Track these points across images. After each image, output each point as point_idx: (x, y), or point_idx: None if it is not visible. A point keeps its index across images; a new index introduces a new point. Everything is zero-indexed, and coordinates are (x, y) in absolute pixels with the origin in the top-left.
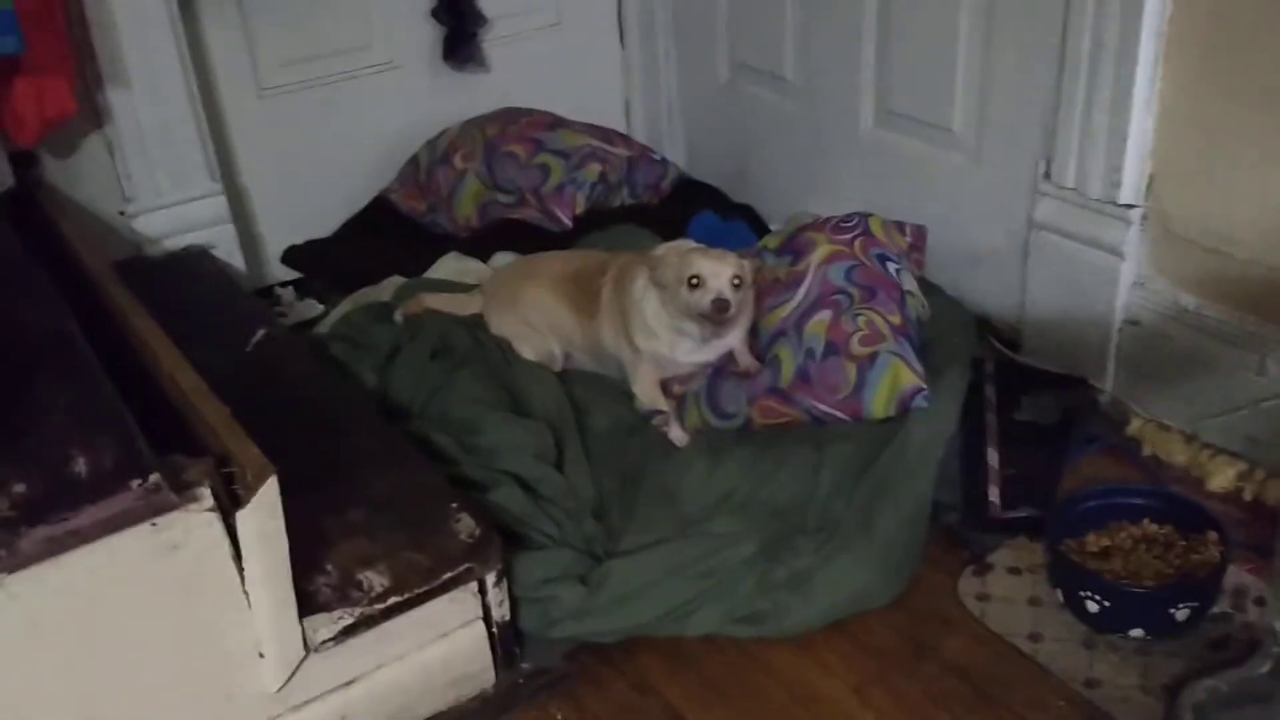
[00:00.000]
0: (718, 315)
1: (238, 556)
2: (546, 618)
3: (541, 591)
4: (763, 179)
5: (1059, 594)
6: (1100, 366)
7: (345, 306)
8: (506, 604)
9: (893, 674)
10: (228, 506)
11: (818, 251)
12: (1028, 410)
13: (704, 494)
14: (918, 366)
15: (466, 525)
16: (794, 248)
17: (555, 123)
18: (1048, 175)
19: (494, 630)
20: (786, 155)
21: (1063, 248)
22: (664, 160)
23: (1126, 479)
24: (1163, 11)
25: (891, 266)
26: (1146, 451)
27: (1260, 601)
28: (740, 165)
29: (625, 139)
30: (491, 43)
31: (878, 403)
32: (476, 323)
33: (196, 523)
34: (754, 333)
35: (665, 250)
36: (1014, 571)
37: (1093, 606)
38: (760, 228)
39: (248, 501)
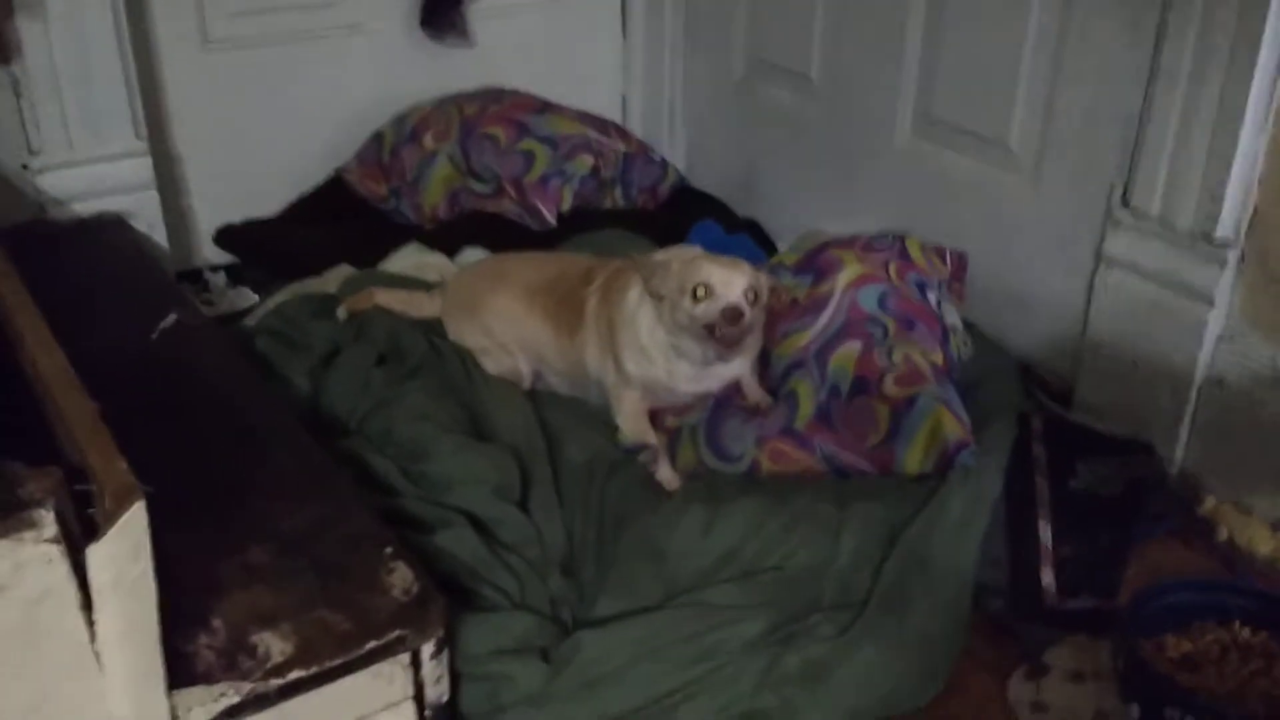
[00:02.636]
0: (729, 328)
1: (87, 604)
2: (495, 700)
3: (491, 666)
4: (773, 192)
5: (1135, 710)
6: (1171, 432)
7: (281, 296)
8: (446, 681)
9: None
10: (78, 537)
11: (845, 272)
12: (1085, 478)
13: (699, 553)
14: (964, 416)
15: (402, 578)
16: (816, 266)
17: (544, 106)
18: (1125, 201)
19: (426, 715)
20: (805, 166)
21: (1137, 289)
22: (664, 162)
23: (1200, 569)
24: None
25: (931, 296)
26: (1221, 537)
27: None
28: (747, 175)
29: (623, 132)
30: (478, 13)
31: (913, 455)
32: (434, 327)
33: (31, 557)
34: (765, 362)
35: (666, 255)
36: (1076, 677)
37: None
38: (767, 246)
39: (104, 532)
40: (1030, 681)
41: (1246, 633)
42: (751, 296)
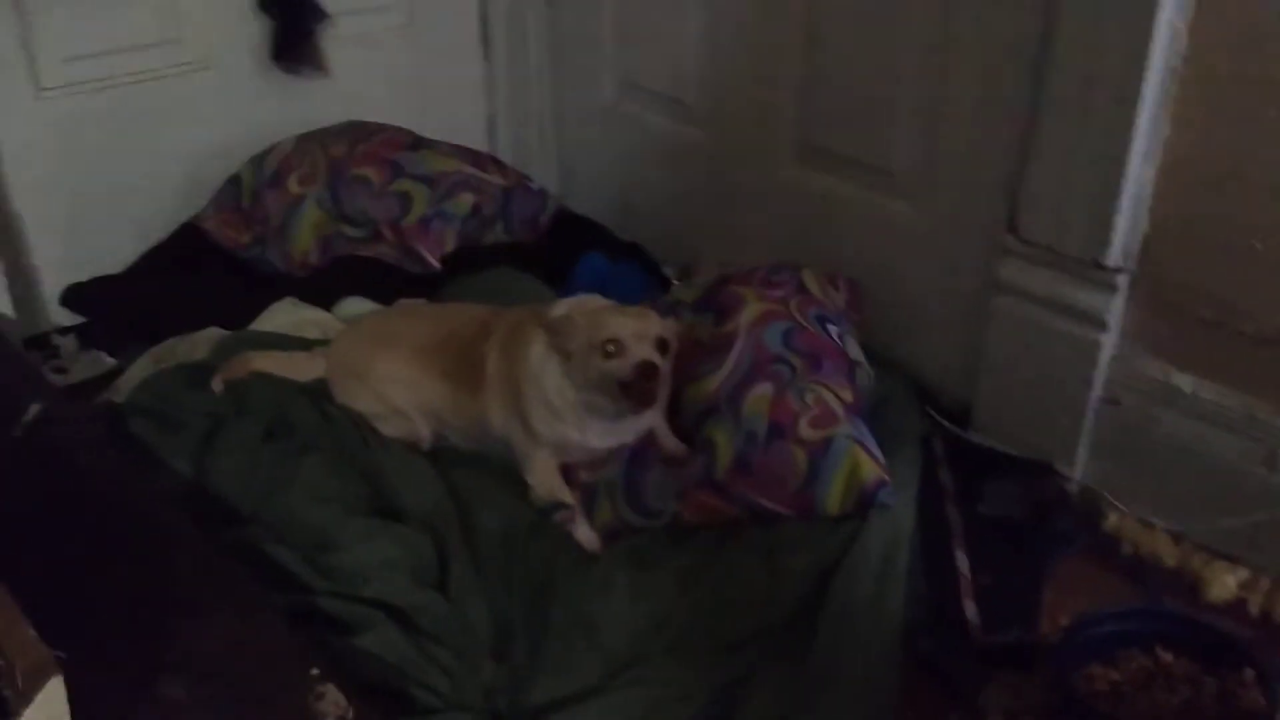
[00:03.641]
0: (645, 384)
1: None
2: None
3: None
4: (653, 216)
5: None
6: (1069, 451)
7: (145, 366)
8: None
9: None
10: None
11: (747, 310)
12: (992, 502)
13: (631, 622)
14: (878, 454)
15: (334, 701)
16: (717, 304)
17: (416, 142)
18: (1013, 229)
19: None
20: (684, 191)
21: (1029, 313)
22: (542, 191)
23: (1110, 586)
24: (1172, 44)
25: (833, 329)
26: (1126, 551)
27: None
28: (625, 198)
29: (499, 165)
30: (332, 42)
31: (833, 497)
32: (322, 390)
33: None
34: (674, 405)
35: (568, 309)
36: (1011, 717)
37: None
38: (652, 269)
39: (20, 713)
40: None
41: (1169, 657)
42: (663, 345)
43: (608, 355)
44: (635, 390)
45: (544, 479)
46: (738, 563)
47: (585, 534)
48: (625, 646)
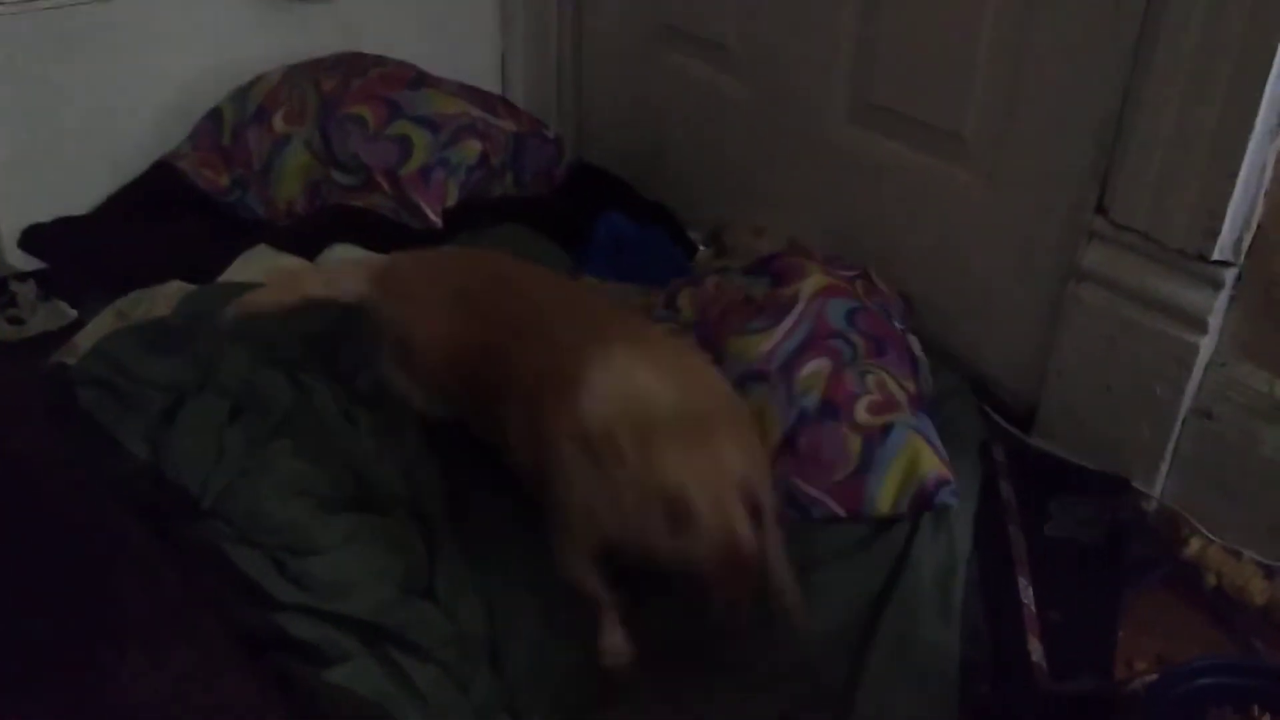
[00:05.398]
0: (731, 577)
1: None
2: None
3: None
4: (681, 174)
5: None
6: (1149, 466)
7: (106, 323)
8: None
9: None
10: None
11: (810, 280)
12: (1061, 522)
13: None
14: (942, 450)
15: None
16: (772, 270)
17: (418, 79)
18: (1101, 209)
19: None
20: (721, 148)
21: (1115, 307)
22: (558, 139)
23: (1192, 623)
24: None
25: (897, 324)
26: (1210, 583)
27: None
28: (651, 152)
29: (511, 108)
30: None
31: (886, 491)
32: (306, 355)
33: None
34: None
35: (607, 415)
36: None
37: None
38: (678, 234)
39: None
40: None
41: (1267, 718)
42: (755, 509)
43: (672, 519)
44: (718, 583)
45: (572, 564)
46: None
47: (612, 642)
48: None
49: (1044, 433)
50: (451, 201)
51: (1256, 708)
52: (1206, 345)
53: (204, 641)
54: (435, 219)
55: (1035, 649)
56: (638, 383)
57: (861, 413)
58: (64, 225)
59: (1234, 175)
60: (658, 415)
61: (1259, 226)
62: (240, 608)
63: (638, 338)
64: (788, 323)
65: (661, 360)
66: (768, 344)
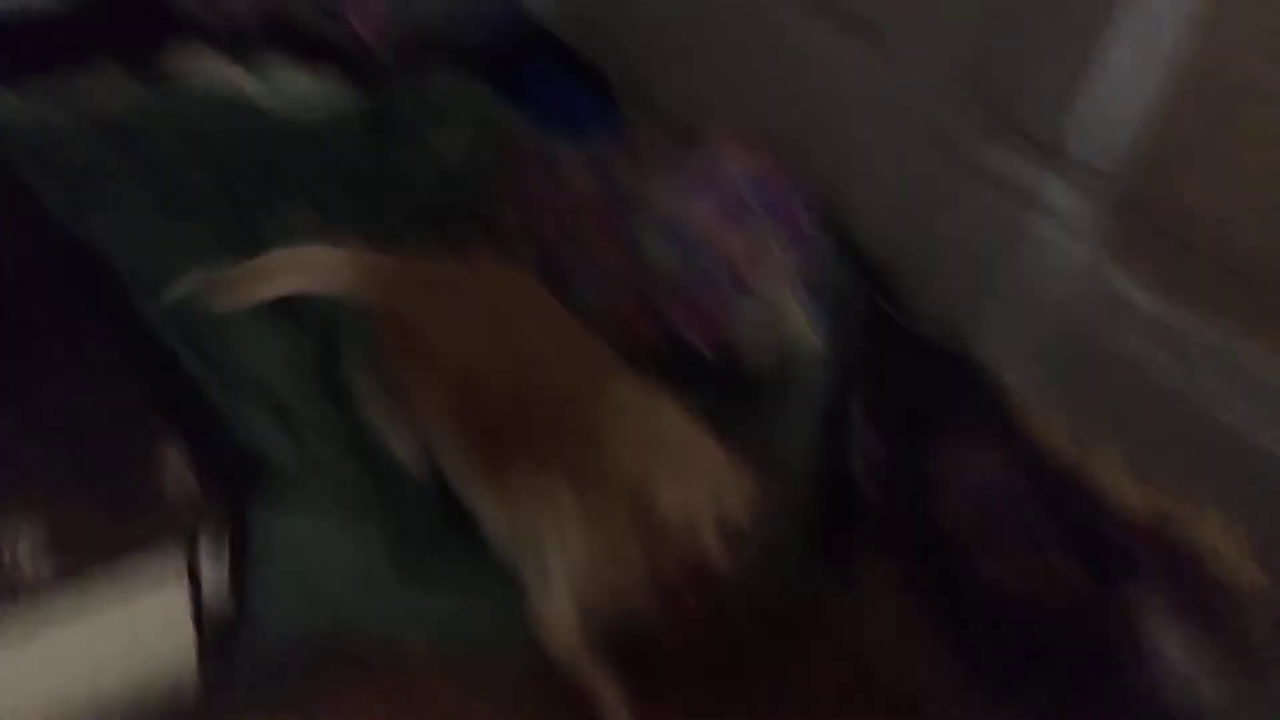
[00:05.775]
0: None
1: None
2: (288, 603)
3: (286, 564)
4: (617, 43)
5: (945, 629)
6: (1003, 346)
7: (37, 101)
8: (225, 584)
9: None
10: None
11: (725, 151)
12: (911, 383)
13: None
14: (810, 315)
15: (176, 471)
16: (692, 141)
17: None
18: (991, 106)
19: (204, 621)
20: (655, 27)
21: (993, 201)
22: None
23: (1006, 469)
24: None
25: (799, 206)
26: (1029, 435)
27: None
28: (590, 14)
29: None
30: None
31: (754, 345)
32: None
33: None
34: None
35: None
36: (888, 592)
37: (989, 655)
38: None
39: None
40: (845, 593)
41: (1056, 559)
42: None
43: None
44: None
45: (559, 634)
46: None
47: None
48: None
49: (914, 309)
50: (391, 31)
51: (1047, 549)
52: (1074, 245)
53: (102, 363)
54: (368, 40)
55: (864, 481)
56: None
57: (751, 273)
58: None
59: (1119, 91)
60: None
61: (1138, 143)
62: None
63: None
64: (698, 184)
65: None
66: (667, 194)
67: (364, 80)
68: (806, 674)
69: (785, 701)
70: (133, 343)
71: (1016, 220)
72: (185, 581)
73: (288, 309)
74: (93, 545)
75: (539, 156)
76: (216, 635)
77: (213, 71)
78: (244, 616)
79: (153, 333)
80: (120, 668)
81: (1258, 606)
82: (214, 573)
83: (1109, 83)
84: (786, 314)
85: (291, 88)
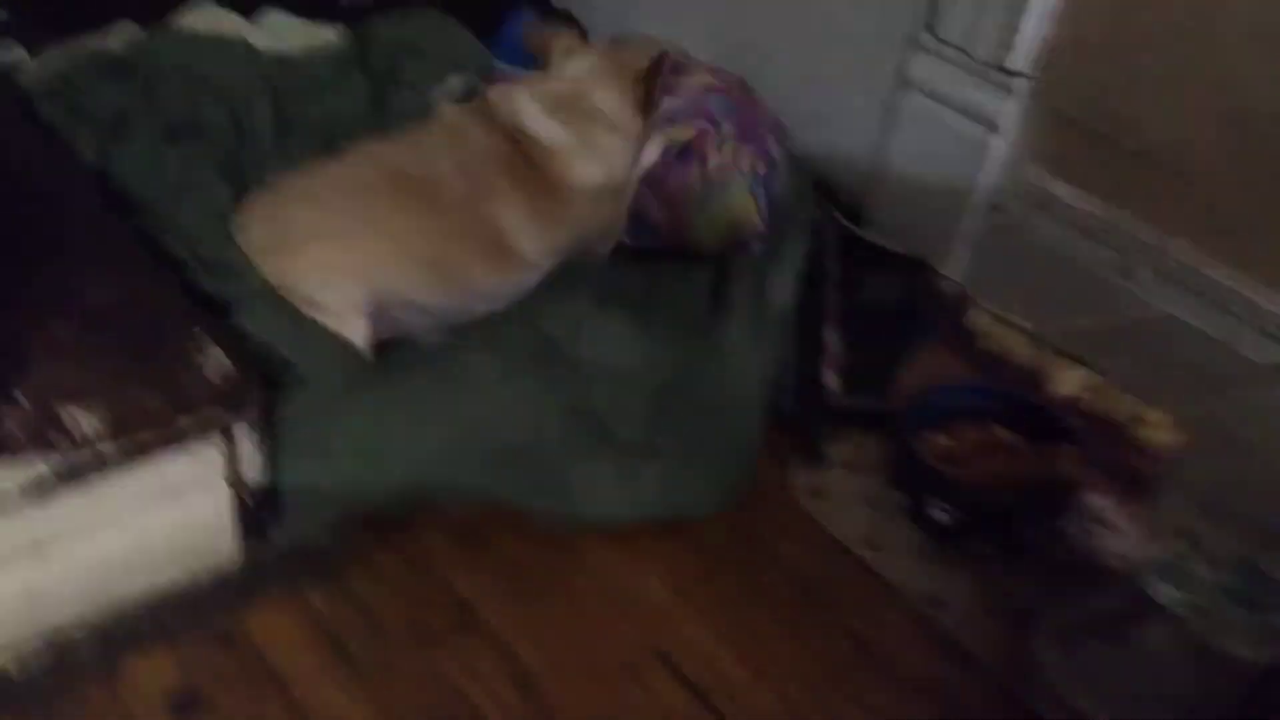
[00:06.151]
0: None
1: None
2: (311, 478)
3: (306, 445)
4: None
5: (902, 497)
6: (949, 250)
7: (56, 58)
8: (261, 461)
9: (717, 576)
10: None
11: (696, 76)
12: (871, 291)
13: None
14: (765, 212)
15: (215, 360)
16: (667, 68)
17: None
18: (929, 27)
19: (242, 495)
20: None
21: (933, 113)
22: None
23: (964, 373)
24: None
25: (764, 129)
26: (983, 345)
27: (1108, 526)
28: None
29: None
30: None
31: (713, 228)
32: (236, 86)
33: None
34: None
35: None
36: (851, 468)
37: (940, 515)
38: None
39: None
40: (813, 472)
41: (1001, 431)
42: None
43: None
44: None
45: None
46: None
47: None
48: None
49: (871, 224)
50: None
51: (996, 425)
52: (999, 145)
53: (142, 272)
54: None
55: (830, 377)
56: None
57: (713, 161)
58: None
59: None
60: None
61: (1045, 41)
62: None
63: None
64: (672, 98)
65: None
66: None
67: (354, 25)
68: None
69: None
70: (159, 257)
71: (951, 126)
72: (226, 453)
73: None
74: (149, 422)
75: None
76: (254, 503)
77: (214, 19)
78: (276, 486)
79: (168, 249)
80: (171, 532)
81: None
82: (249, 451)
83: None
84: (746, 204)
85: (288, 33)
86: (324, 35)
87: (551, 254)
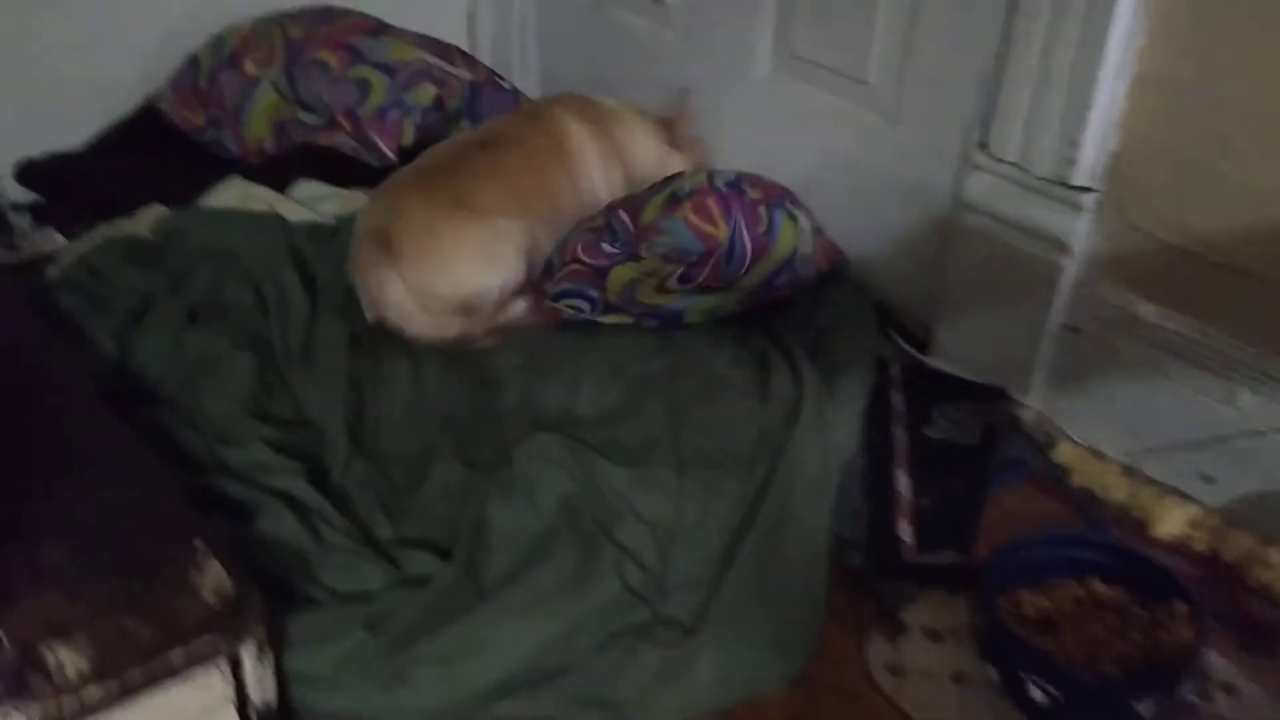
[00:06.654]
0: None
1: None
2: (328, 696)
3: (320, 662)
4: None
5: (992, 672)
6: (1025, 377)
7: (90, 242)
8: (272, 681)
9: None
10: None
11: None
12: (941, 425)
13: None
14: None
15: (214, 576)
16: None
17: (378, 28)
18: (984, 145)
19: (249, 714)
20: (661, 95)
21: (995, 234)
22: (514, 90)
23: (1056, 516)
24: None
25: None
26: (1076, 481)
27: (1230, 689)
28: None
29: (468, 58)
30: None
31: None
32: (261, 265)
33: None
34: None
35: None
36: (933, 636)
37: (1038, 695)
38: None
39: None
40: (888, 642)
41: (1101, 587)
42: None
43: None
44: None
45: None
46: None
47: None
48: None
49: (938, 351)
50: (408, 141)
51: (1093, 578)
52: (1071, 265)
53: (142, 476)
54: (391, 155)
55: (904, 528)
56: None
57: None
58: (56, 160)
59: (1088, 105)
60: None
61: (1113, 154)
62: (178, 470)
63: None
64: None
65: None
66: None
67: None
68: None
69: None
70: (168, 453)
71: (1016, 248)
72: (229, 676)
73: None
74: (139, 658)
75: None
76: None
77: (243, 194)
78: (286, 706)
79: (184, 443)
80: None
81: None
82: (257, 673)
83: (1097, 105)
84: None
85: (321, 203)
86: (359, 201)
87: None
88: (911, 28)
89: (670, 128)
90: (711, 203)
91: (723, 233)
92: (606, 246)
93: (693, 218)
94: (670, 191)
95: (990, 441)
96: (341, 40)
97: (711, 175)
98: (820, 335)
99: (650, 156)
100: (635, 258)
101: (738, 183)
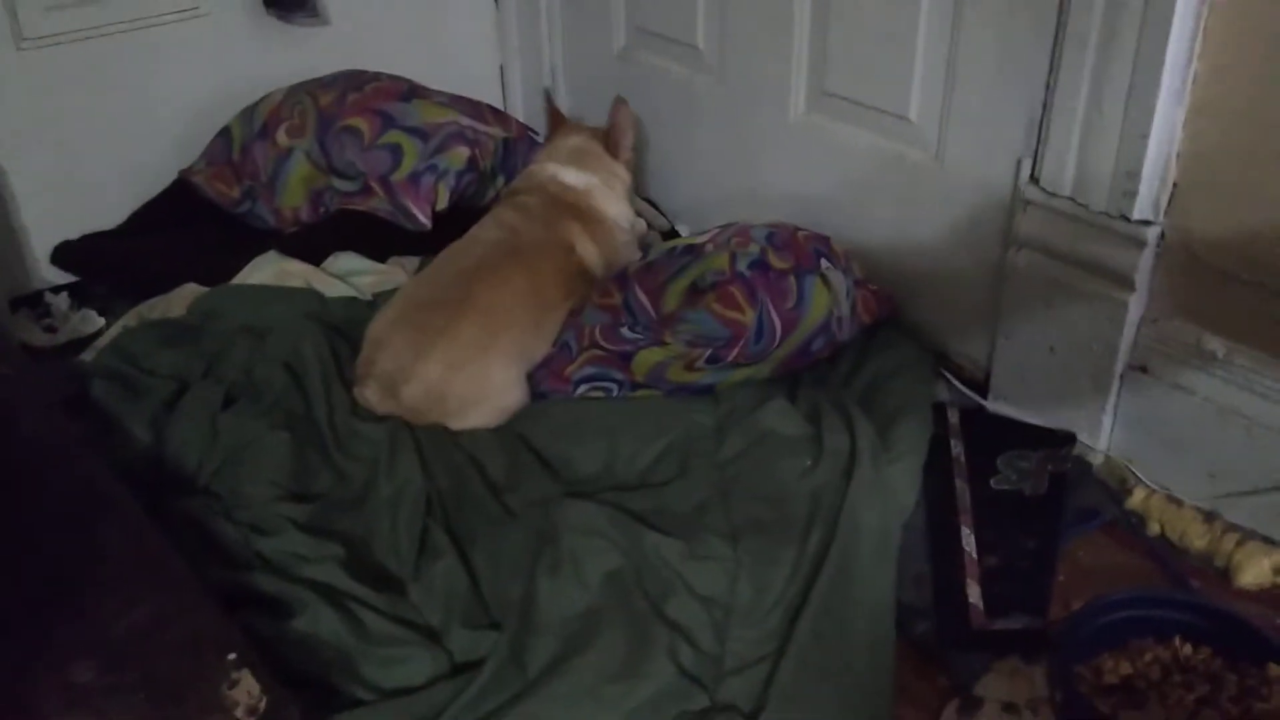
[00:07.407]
0: None
1: None
2: None
3: None
4: (665, 167)
5: None
6: (1092, 421)
7: (125, 324)
8: None
9: None
10: None
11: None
12: (1006, 475)
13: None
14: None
15: (247, 690)
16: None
17: (410, 91)
18: (1035, 179)
19: None
20: (696, 140)
21: (1051, 272)
22: None
23: (1133, 568)
24: None
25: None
26: (1153, 531)
27: None
28: (638, 151)
29: (499, 114)
30: None
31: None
32: (293, 343)
33: None
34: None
35: None
36: (1011, 710)
37: None
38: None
39: None
40: (961, 715)
41: (1188, 649)
42: None
43: None
44: None
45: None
46: (700, 545)
47: None
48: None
49: (998, 395)
50: (442, 205)
51: (1179, 639)
52: (1136, 302)
53: (177, 587)
54: (425, 221)
55: (973, 592)
56: None
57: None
58: (92, 241)
59: (1146, 138)
60: None
61: (1175, 185)
62: (214, 567)
63: None
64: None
65: None
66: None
67: (420, 245)
68: None
69: None
70: (208, 553)
71: (1075, 285)
72: None
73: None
74: None
75: None
76: None
77: (279, 270)
78: None
79: (221, 537)
80: None
81: None
82: None
83: (1155, 136)
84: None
85: (358, 277)
86: (396, 276)
87: (604, 269)
88: (953, 59)
89: (607, 138)
90: (735, 291)
91: (749, 317)
92: (627, 332)
93: (717, 307)
94: (691, 281)
95: (1060, 491)
96: (373, 106)
97: (734, 259)
98: (873, 382)
99: (621, 220)
100: (660, 343)
101: (761, 258)
